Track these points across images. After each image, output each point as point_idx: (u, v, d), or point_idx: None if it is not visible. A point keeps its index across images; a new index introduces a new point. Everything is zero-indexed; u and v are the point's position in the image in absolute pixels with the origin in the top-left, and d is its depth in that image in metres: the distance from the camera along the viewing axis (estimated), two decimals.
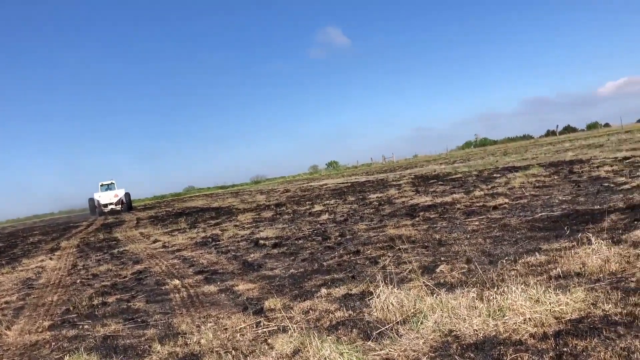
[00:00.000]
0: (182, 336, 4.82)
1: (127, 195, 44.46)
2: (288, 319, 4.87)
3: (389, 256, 6.91)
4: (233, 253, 9.32)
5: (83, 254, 13.06)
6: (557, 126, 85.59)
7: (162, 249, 11.60)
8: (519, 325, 3.72)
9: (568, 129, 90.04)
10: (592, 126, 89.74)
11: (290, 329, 4.52)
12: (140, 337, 4.99)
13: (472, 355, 3.42)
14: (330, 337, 4.17)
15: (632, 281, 4.23)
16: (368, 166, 76.26)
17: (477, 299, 4.36)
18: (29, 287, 8.93)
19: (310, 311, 5.05)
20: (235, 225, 14.30)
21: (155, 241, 13.55)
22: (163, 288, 7.14)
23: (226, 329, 4.88)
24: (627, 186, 9.77)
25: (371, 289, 5.38)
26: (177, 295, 6.61)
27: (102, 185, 45.21)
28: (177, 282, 7.35)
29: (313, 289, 5.84)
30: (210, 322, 5.18)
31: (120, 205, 42.55)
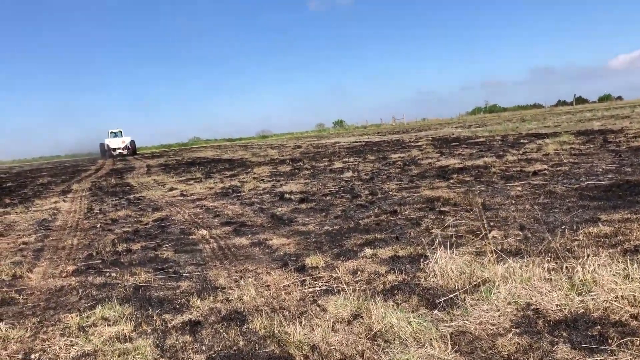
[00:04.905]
0: (221, 291, 4.46)
1: (132, 142, 52.08)
2: (335, 279, 4.51)
3: (430, 218, 6.50)
4: (258, 205, 8.93)
5: (97, 198, 12.72)
6: (575, 95, 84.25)
7: (181, 197, 11.23)
8: (611, 303, 3.32)
9: (580, 100, 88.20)
10: (604, 98, 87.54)
11: (342, 290, 4.16)
12: (175, 290, 4.64)
13: (565, 334, 3.03)
14: (389, 303, 3.81)
15: None
16: (377, 127, 75.36)
17: (553, 270, 3.95)
18: (45, 228, 8.60)
19: (358, 272, 4.66)
20: (254, 178, 13.90)
21: (171, 189, 13.19)
22: (190, 238, 6.77)
23: (268, 285, 4.51)
24: None
25: (422, 252, 5.02)
26: (206, 246, 6.24)
27: (111, 133, 53.68)
28: (204, 232, 6.98)
29: (355, 249, 5.45)
30: (249, 277, 4.81)
31: (126, 150, 50.60)
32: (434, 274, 4.33)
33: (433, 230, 5.90)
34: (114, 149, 50.29)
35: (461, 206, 7.06)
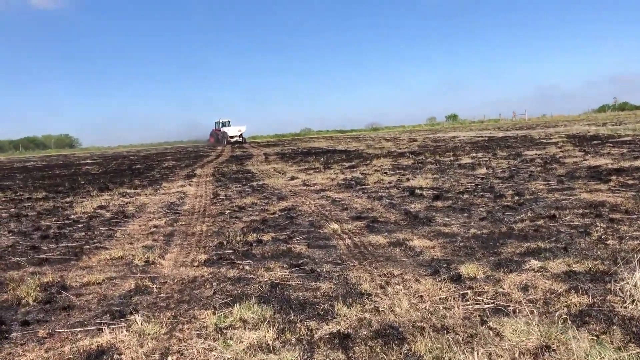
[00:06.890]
0: (367, 297, 3.91)
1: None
2: (504, 296, 3.79)
3: (601, 227, 5.52)
4: (388, 200, 8.32)
5: (221, 184, 12.79)
6: None
7: (304, 187, 10.91)
8: None
9: None
10: None
11: (517, 311, 3.45)
12: (315, 291, 4.16)
13: None
14: (583, 333, 3.04)
15: None
16: (496, 121, 71.90)
17: None
18: (174, 212, 8.60)
19: (529, 289, 3.90)
20: (376, 170, 13.32)
21: (292, 178, 12.96)
22: (321, 232, 6.32)
23: (421, 296, 3.90)
24: None
25: (603, 268, 4.16)
26: (340, 242, 5.74)
27: (220, 122, 58.83)
28: (335, 226, 6.50)
29: (516, 258, 4.67)
30: (396, 283, 4.22)
31: (241, 138, 55.65)
32: (633, 300, 3.49)
33: (609, 242, 4.96)
34: (231, 137, 54.88)
35: (635, 214, 5.99)
